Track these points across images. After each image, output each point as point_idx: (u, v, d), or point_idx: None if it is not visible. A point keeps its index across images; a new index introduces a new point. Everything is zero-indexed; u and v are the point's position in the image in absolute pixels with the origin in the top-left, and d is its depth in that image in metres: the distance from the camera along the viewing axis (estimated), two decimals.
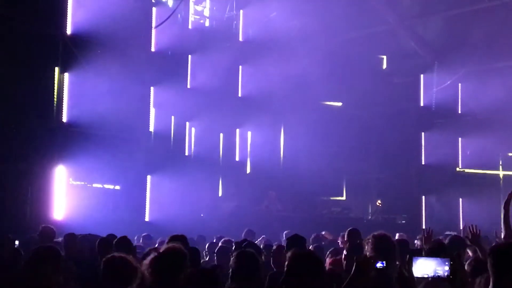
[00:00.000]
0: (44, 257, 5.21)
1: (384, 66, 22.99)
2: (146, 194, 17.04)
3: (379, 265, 4.01)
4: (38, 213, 13.45)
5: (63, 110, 14.45)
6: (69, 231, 9.42)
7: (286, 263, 3.85)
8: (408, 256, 3.75)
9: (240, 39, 21.11)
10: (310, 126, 20.88)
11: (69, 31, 14.66)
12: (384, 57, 22.77)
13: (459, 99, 22.80)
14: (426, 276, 3.59)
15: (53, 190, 14.00)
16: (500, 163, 21.55)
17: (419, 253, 6.15)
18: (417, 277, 3.81)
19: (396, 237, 9.39)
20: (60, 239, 9.52)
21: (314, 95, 21.25)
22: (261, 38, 20.62)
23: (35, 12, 13.87)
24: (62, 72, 14.41)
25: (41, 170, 13.77)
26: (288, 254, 3.95)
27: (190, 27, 19.67)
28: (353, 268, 3.92)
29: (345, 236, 8.08)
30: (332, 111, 21.85)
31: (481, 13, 19.96)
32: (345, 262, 6.04)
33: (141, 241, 11.08)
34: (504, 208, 6.75)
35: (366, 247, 5.52)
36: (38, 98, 13.90)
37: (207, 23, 20.73)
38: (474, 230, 6.32)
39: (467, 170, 22.50)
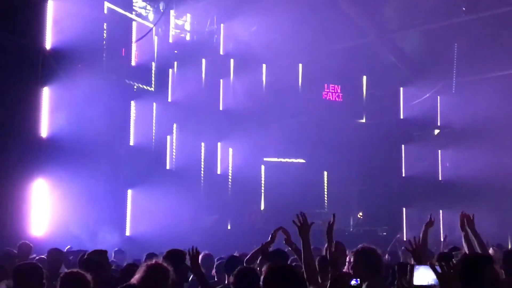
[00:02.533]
0: (27, 274, 5.19)
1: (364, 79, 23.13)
2: (127, 209, 16.95)
3: (353, 282, 4.03)
4: (17, 228, 13.29)
5: (42, 125, 14.35)
6: (48, 246, 9.32)
7: (262, 276, 3.85)
8: (409, 266, 3.77)
9: (221, 52, 21.16)
10: (291, 138, 20.95)
11: (49, 45, 14.58)
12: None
13: (438, 111, 23.02)
14: (426, 284, 3.64)
15: (32, 205, 13.87)
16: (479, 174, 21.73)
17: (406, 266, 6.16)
18: (417, 285, 3.86)
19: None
20: (35, 255, 9.45)
21: (294, 107, 21.33)
22: (242, 52, 20.68)
23: (14, 26, 13.79)
24: (41, 86, 14.32)
25: (21, 185, 13.63)
26: (264, 267, 3.94)
27: (170, 41, 19.69)
28: (328, 285, 3.93)
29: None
30: (313, 124, 21.89)
31: (459, 26, 20.21)
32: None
33: (113, 256, 10.95)
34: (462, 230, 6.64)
35: (349, 258, 5.51)
36: (17, 112, 13.79)
37: (188, 37, 20.76)
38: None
39: (446, 182, 22.71)
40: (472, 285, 3.69)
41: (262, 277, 3.84)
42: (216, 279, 7.66)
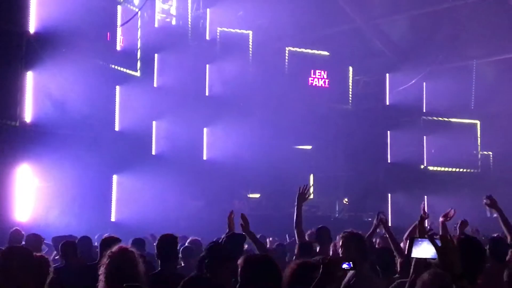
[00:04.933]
0: (10, 258, 5.01)
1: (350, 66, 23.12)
2: (112, 194, 16.88)
3: (345, 266, 4.02)
4: (1, 213, 13.20)
5: (26, 110, 14.21)
6: (33, 232, 9.26)
7: (239, 268, 3.81)
8: (409, 239, 3.78)
9: (207, 37, 21.03)
10: (278, 124, 20.94)
11: (32, 29, 14.41)
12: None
13: (424, 98, 23.10)
14: (425, 257, 3.65)
15: (17, 191, 13.77)
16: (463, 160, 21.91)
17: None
18: (415, 257, 3.88)
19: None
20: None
21: (281, 93, 21.29)
22: (228, 37, 20.57)
23: None
24: (25, 70, 14.16)
25: (5, 170, 13.52)
26: (240, 260, 3.88)
27: (156, 25, 19.53)
28: (320, 270, 3.92)
29: (315, 234, 7.97)
30: (299, 109, 21.87)
31: (445, 13, 20.25)
32: None
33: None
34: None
35: (339, 242, 5.55)
36: (0, 97, 13.65)
37: (173, 22, 20.60)
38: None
39: (431, 168, 22.87)
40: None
41: (239, 269, 3.79)
42: (183, 264, 7.46)
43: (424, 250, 3.61)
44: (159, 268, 5.86)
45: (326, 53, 22.45)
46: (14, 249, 5.20)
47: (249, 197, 21.32)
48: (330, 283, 3.88)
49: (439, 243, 3.13)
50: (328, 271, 3.87)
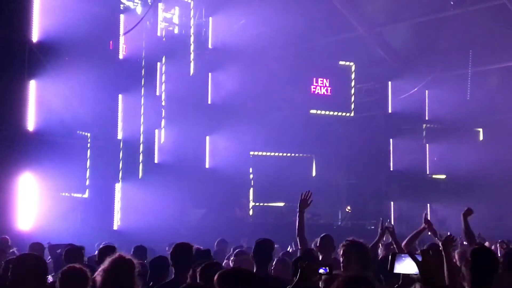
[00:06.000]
0: (21, 264, 4.97)
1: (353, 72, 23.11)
2: (115, 202, 16.88)
3: (321, 270, 4.11)
4: (4, 222, 13.21)
5: (29, 118, 14.24)
6: (36, 240, 9.29)
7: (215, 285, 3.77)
8: (391, 255, 3.75)
9: (210, 46, 21.07)
10: (280, 133, 20.94)
11: (35, 38, 14.46)
12: (352, 64, 22.92)
13: (426, 105, 23.10)
14: (409, 273, 3.64)
15: (19, 199, 13.78)
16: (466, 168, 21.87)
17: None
18: (396, 273, 3.87)
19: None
20: (14, 249, 9.44)
21: (283, 101, 21.30)
22: (230, 45, 20.62)
23: (0, 19, 13.67)
24: (28, 79, 14.21)
25: (7, 179, 13.54)
26: (216, 276, 3.81)
27: (159, 34, 19.58)
28: (298, 274, 3.99)
29: (318, 242, 7.95)
30: (302, 118, 21.89)
31: (447, 20, 20.27)
32: None
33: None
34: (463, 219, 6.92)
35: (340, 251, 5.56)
36: (3, 106, 13.70)
37: (176, 30, 20.65)
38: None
39: (434, 176, 22.86)
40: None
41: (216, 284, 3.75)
42: None
43: (407, 265, 3.59)
44: (173, 277, 5.91)
45: (328, 61, 22.51)
46: (27, 257, 5.24)
47: (251, 205, 21.30)
48: (306, 286, 3.96)
49: (419, 258, 3.12)
50: (305, 275, 3.95)
